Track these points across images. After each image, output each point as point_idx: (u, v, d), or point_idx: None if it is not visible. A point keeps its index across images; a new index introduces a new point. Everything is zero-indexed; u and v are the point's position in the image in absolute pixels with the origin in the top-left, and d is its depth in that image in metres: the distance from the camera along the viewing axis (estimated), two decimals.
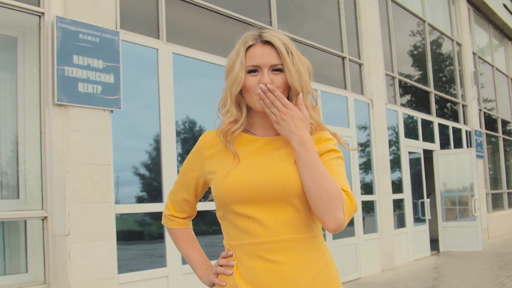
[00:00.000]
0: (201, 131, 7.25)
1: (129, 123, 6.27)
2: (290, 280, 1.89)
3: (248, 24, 8.07)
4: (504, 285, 8.29)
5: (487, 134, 18.20)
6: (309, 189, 1.84)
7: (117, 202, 5.87)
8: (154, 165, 6.46)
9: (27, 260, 5.33)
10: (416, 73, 14.03)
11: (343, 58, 10.43)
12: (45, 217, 5.23)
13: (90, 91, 5.52)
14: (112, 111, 5.77)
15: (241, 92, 1.96)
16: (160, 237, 6.36)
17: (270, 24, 8.48)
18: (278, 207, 1.90)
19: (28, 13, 5.30)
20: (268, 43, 1.94)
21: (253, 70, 1.93)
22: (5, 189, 5.32)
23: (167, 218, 2.18)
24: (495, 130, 19.24)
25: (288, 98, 1.98)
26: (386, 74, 11.82)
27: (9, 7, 5.15)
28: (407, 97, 13.47)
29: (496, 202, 18.66)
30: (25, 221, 5.33)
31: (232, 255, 1.95)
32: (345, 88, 10.29)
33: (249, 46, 1.95)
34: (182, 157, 6.83)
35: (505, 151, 20.12)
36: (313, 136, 2.00)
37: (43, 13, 5.33)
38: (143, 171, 6.43)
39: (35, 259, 5.31)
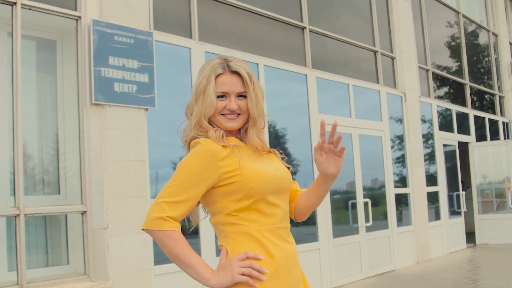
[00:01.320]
0: None
1: (164, 121, 6.49)
2: (297, 260, 2.28)
3: (279, 21, 8.22)
4: None
5: None
6: (317, 202, 2.45)
7: (153, 196, 6.10)
8: None
9: (68, 252, 5.61)
10: (451, 65, 13.96)
11: (375, 52, 10.48)
12: (85, 212, 5.49)
13: (125, 90, 5.75)
14: (147, 109, 5.99)
15: None
16: (194, 231, 6.56)
17: (301, 20, 8.60)
18: (287, 198, 2.34)
19: (66, 17, 5.55)
20: (235, 72, 2.21)
21: (221, 96, 2.21)
22: (47, 185, 5.60)
23: (163, 220, 2.10)
24: None
25: (247, 121, 2.29)
26: (419, 67, 11.81)
27: (48, 12, 5.41)
28: (442, 89, 13.42)
29: None
30: (66, 216, 5.60)
31: (261, 259, 2.12)
32: (378, 82, 10.35)
33: (218, 74, 2.21)
34: None
35: None
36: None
37: (80, 17, 5.58)
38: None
39: (75, 251, 5.58)
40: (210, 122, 2.25)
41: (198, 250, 6.47)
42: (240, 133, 2.33)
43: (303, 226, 8.24)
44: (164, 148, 6.53)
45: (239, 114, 2.24)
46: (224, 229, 2.21)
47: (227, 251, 2.17)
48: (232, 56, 2.27)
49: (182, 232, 2.14)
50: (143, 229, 2.15)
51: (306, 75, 8.44)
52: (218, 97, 2.21)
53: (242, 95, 2.23)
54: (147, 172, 5.94)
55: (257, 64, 7.61)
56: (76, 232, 5.60)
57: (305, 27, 8.65)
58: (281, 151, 2.50)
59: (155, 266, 5.94)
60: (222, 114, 2.22)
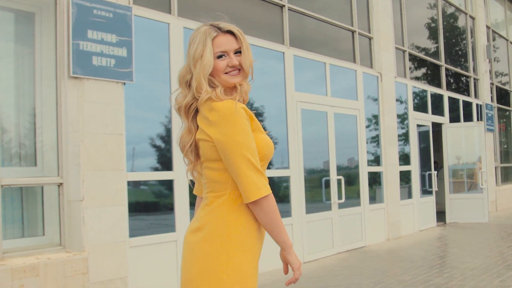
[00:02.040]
0: None
1: (142, 96, 6.55)
2: None
3: None
4: (503, 254, 8.56)
5: (499, 108, 18.28)
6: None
7: (129, 170, 6.18)
8: (166, 136, 6.74)
9: (44, 224, 5.69)
10: (428, 47, 14.14)
11: (353, 32, 10.59)
12: (61, 184, 5.57)
13: (104, 64, 5.80)
14: (124, 84, 6.05)
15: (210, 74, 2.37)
16: (169, 203, 6.67)
17: None
18: None
19: None
20: (228, 32, 2.40)
21: (220, 56, 2.36)
22: (24, 158, 5.66)
23: (267, 184, 2.30)
24: (508, 104, 19.30)
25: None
26: (396, 48, 11.96)
27: None
28: (418, 70, 13.60)
29: (506, 176, 18.82)
30: (42, 188, 5.67)
31: None
32: (354, 61, 10.48)
33: (214, 37, 2.37)
34: None
35: None
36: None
37: None
38: (156, 141, 6.71)
39: (51, 223, 5.67)
40: (212, 84, 2.37)
41: (172, 226, 6.59)
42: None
43: (278, 203, 8.37)
44: (142, 123, 6.60)
45: (239, 69, 2.40)
46: (225, 194, 2.33)
47: None
48: (217, 22, 2.44)
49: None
50: (257, 200, 2.25)
51: (283, 53, 8.53)
52: (218, 57, 2.36)
53: (238, 51, 2.41)
54: (124, 146, 6.01)
55: None
56: (52, 204, 5.67)
57: (284, 5, 8.72)
58: None
59: (130, 238, 6.05)
60: (225, 73, 2.37)
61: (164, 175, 6.62)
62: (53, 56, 5.64)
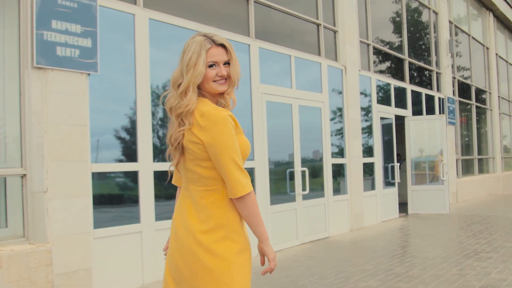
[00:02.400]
0: None
1: (107, 88, 6.53)
2: None
3: None
4: (462, 244, 8.78)
5: (460, 102, 18.64)
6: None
7: (94, 161, 6.17)
8: (131, 128, 6.73)
9: (7, 215, 5.64)
10: (393, 41, 14.33)
11: (318, 25, 10.69)
12: (24, 175, 5.54)
13: (68, 54, 5.77)
14: (89, 74, 6.03)
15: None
16: (134, 195, 6.68)
17: None
18: None
19: None
20: (220, 45, 2.67)
21: (211, 65, 2.63)
22: None
23: (250, 181, 2.60)
24: (469, 98, 19.68)
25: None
26: (361, 42, 12.10)
27: None
28: (383, 64, 13.79)
29: (467, 168, 19.22)
30: (5, 179, 5.62)
31: None
32: (319, 54, 10.58)
33: (208, 48, 2.63)
34: (162, 120, 7.12)
35: (478, 119, 20.63)
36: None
37: None
38: (120, 133, 6.70)
39: (14, 214, 5.62)
40: (199, 90, 2.68)
41: (137, 218, 6.61)
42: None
43: None
44: (106, 115, 6.58)
45: (226, 79, 2.68)
46: (216, 189, 2.63)
47: None
48: (210, 32, 2.69)
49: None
50: (242, 196, 2.56)
51: (249, 45, 8.58)
52: (209, 66, 2.63)
53: (227, 63, 2.69)
54: (88, 137, 6.00)
55: None
56: (15, 195, 5.63)
57: None
58: None
59: (94, 230, 6.05)
60: (214, 81, 2.65)
61: (128, 167, 6.62)
62: (16, 46, 5.59)
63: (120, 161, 6.67)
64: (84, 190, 5.89)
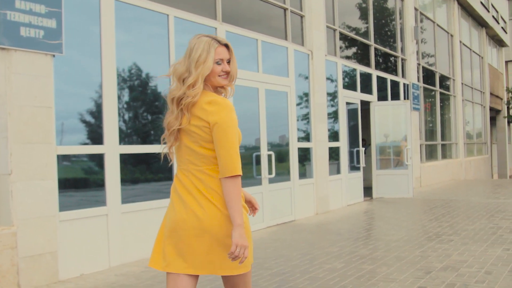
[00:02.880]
0: (147, 78, 7.49)
1: (72, 70, 6.46)
2: None
3: None
4: (425, 227, 8.96)
5: (425, 88, 18.90)
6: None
7: (59, 144, 6.11)
8: (97, 112, 6.68)
9: None
10: (359, 27, 14.43)
11: (285, 10, 10.71)
12: None
13: (32, 35, 5.69)
14: (54, 56, 5.96)
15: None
16: (100, 178, 6.65)
17: None
18: None
19: None
20: (225, 45, 3.04)
21: (217, 62, 2.99)
22: None
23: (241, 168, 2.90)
24: (433, 84, 19.97)
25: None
26: (327, 27, 12.17)
27: None
28: (348, 50, 13.89)
29: (431, 153, 19.55)
30: None
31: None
32: (286, 39, 10.62)
33: (216, 47, 3.00)
34: (128, 104, 7.09)
35: (442, 105, 20.96)
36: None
37: None
38: (85, 117, 6.64)
39: None
40: (209, 83, 3.04)
41: (103, 202, 6.58)
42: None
43: None
44: (72, 98, 6.51)
45: (227, 74, 3.05)
46: (216, 166, 2.90)
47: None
48: (213, 34, 3.10)
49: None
50: (234, 176, 2.80)
51: (216, 28, 8.56)
52: (216, 63, 2.99)
53: (229, 61, 3.06)
54: (53, 119, 5.94)
55: (167, 15, 7.65)
56: None
57: None
58: None
59: (60, 213, 6.01)
60: (219, 76, 3.02)
61: (94, 149, 6.58)
62: None
63: (86, 144, 6.63)
64: (49, 172, 5.84)
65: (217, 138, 2.84)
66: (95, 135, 6.68)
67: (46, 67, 5.87)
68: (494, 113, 30.82)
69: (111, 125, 6.69)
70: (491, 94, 28.58)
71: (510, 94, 25.62)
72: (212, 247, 2.85)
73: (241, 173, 2.83)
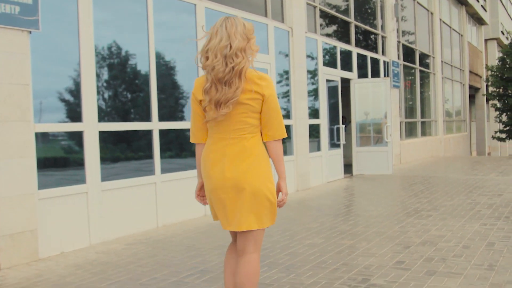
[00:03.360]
0: (127, 56, 7.42)
1: (49, 48, 6.36)
2: None
3: None
4: (404, 203, 9.05)
5: (405, 66, 18.96)
6: None
7: (37, 121, 6.05)
8: (75, 90, 6.61)
9: None
10: (339, 4, 14.39)
11: None
12: None
13: (7, 11, 5.60)
14: (30, 32, 5.87)
15: None
16: (79, 157, 6.61)
17: None
18: None
19: None
20: None
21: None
22: None
23: None
24: (413, 62, 20.04)
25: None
26: (308, 4, 12.12)
27: None
28: (328, 27, 13.86)
29: (411, 131, 19.69)
30: None
31: None
32: (266, 15, 10.56)
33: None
34: (108, 83, 7.03)
35: (422, 82, 21.06)
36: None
37: None
38: (64, 95, 6.56)
39: None
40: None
41: (83, 180, 6.55)
42: None
43: (190, 157, 8.45)
44: (50, 77, 6.42)
45: None
46: (258, 134, 3.36)
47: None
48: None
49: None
50: (282, 138, 3.38)
51: (195, 5, 8.49)
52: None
53: None
54: (31, 96, 5.87)
55: None
56: None
57: None
58: None
59: (39, 191, 5.97)
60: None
61: (73, 127, 6.53)
62: None
63: (62, 121, 6.55)
64: (27, 150, 5.79)
65: (270, 108, 3.29)
66: (75, 114, 6.62)
67: (23, 44, 5.79)
68: (473, 91, 31.07)
69: (90, 102, 6.64)
70: (471, 72, 28.79)
71: (489, 72, 25.78)
72: (253, 201, 3.26)
73: (286, 135, 3.43)
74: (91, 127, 6.64)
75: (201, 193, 3.59)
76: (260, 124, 3.36)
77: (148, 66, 7.61)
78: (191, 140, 3.54)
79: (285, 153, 10.90)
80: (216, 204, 3.35)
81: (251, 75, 3.25)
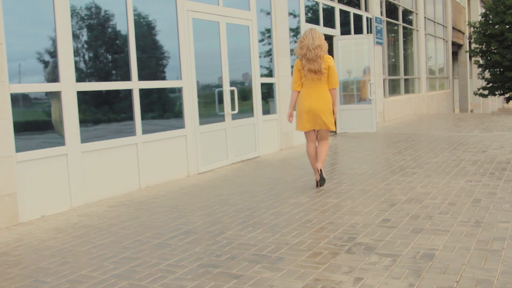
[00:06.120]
0: (107, 16, 7.19)
1: (24, 9, 6.12)
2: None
3: None
4: (388, 161, 9.01)
5: (388, 22, 18.76)
6: None
7: (12, 82, 5.85)
8: (54, 52, 6.39)
9: None
10: None
11: None
12: None
13: None
14: None
15: None
16: (57, 117, 6.43)
17: None
18: None
19: None
20: None
21: None
22: None
23: None
24: (396, 18, 19.83)
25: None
26: None
27: None
28: None
29: (394, 88, 19.61)
30: None
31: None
32: None
33: None
34: (88, 43, 6.81)
35: (405, 39, 20.89)
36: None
37: None
38: (43, 57, 6.34)
39: None
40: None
41: (62, 143, 6.39)
42: None
43: (172, 119, 8.32)
44: (26, 39, 6.19)
45: None
46: (326, 88, 7.02)
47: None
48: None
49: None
50: (336, 87, 7.02)
51: None
52: None
53: None
54: (5, 55, 5.66)
55: None
56: None
57: None
58: None
59: (17, 153, 5.81)
60: None
61: (50, 87, 6.33)
62: None
63: (38, 81, 6.34)
64: (3, 112, 5.61)
65: (332, 72, 6.92)
66: (53, 76, 6.41)
67: None
68: (456, 48, 30.97)
69: (66, 62, 6.43)
70: (453, 28, 28.63)
71: (472, 28, 25.64)
72: (325, 116, 6.91)
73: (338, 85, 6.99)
74: (69, 87, 6.45)
75: (290, 118, 7.21)
76: (327, 80, 6.95)
77: (126, 25, 7.39)
78: (293, 89, 7.08)
79: (268, 111, 10.79)
80: (308, 118, 6.94)
81: (325, 57, 6.90)
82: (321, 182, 6.94)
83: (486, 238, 4.51)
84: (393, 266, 3.92)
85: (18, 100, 5.98)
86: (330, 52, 14.08)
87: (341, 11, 14.58)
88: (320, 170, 6.89)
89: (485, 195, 6.14)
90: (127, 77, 7.39)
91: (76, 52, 6.64)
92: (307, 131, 7.04)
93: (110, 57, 7.35)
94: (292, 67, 11.65)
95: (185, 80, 8.32)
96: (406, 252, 4.24)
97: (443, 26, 26.93)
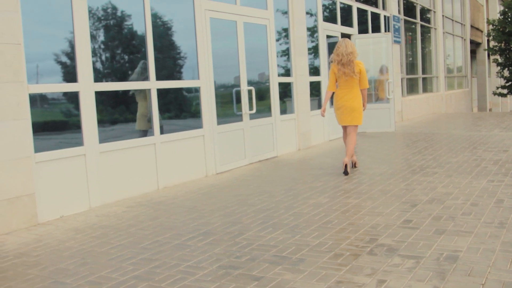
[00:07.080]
0: (123, 17, 7.18)
1: (42, 10, 6.11)
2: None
3: None
4: (408, 160, 8.91)
5: (406, 21, 18.60)
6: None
7: (30, 83, 5.84)
8: (71, 53, 6.38)
9: None
10: None
11: None
12: None
13: None
14: None
15: None
16: (76, 120, 6.42)
17: None
18: None
19: None
20: None
21: None
22: None
23: None
24: (414, 17, 19.67)
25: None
26: None
27: None
28: None
29: (412, 87, 19.45)
30: None
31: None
32: None
33: None
34: (105, 44, 6.80)
35: (423, 38, 20.71)
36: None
37: None
38: (62, 58, 6.33)
39: None
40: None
41: (81, 143, 6.38)
42: None
43: (189, 119, 8.29)
44: (44, 40, 6.18)
45: None
46: (358, 89, 8.20)
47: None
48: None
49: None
50: (367, 88, 8.29)
51: None
52: None
53: None
54: (23, 56, 5.66)
55: None
56: None
57: None
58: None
59: (36, 154, 5.80)
60: None
61: (68, 87, 6.32)
62: None
63: (57, 81, 6.33)
64: (21, 112, 5.60)
65: (363, 75, 8.03)
66: (71, 76, 6.40)
67: (13, 1, 5.54)
68: (474, 46, 30.68)
69: (84, 62, 6.42)
70: (472, 26, 28.36)
71: (490, 26, 25.39)
72: (355, 113, 8.04)
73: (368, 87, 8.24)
74: (87, 87, 6.43)
75: (323, 113, 8.22)
76: (358, 82, 8.02)
77: (144, 26, 7.36)
78: (328, 89, 8.12)
79: (285, 111, 10.73)
80: (342, 113, 8.10)
81: (356, 62, 7.92)
82: (344, 173, 7.92)
83: (511, 240, 4.41)
84: (417, 268, 3.84)
85: (36, 101, 5.98)
86: None
87: (359, 9, 14.47)
88: (346, 165, 7.87)
89: (508, 196, 6.03)
90: (144, 77, 7.36)
91: (93, 53, 6.63)
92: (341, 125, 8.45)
93: (126, 57, 7.34)
94: (310, 66, 11.61)
95: (202, 79, 8.29)
96: (429, 253, 4.16)
97: (461, 24, 26.68)
